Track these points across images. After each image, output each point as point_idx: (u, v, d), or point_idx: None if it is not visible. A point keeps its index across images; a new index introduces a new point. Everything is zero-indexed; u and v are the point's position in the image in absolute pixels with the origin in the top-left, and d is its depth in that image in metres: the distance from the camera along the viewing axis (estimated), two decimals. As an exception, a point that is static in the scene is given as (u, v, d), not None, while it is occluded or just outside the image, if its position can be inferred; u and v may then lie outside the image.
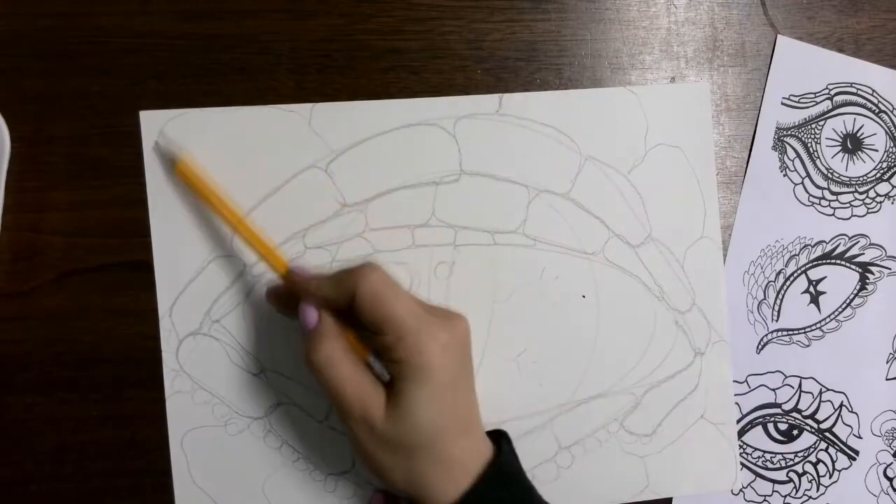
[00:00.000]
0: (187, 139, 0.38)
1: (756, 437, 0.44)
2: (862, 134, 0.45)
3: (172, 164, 0.37)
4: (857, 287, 0.45)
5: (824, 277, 0.45)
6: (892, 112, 0.45)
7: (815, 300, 0.45)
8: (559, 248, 0.41)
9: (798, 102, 0.44)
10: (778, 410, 0.44)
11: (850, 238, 0.45)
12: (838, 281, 0.45)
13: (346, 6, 0.40)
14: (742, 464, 0.44)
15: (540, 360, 0.41)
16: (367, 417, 0.32)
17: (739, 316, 0.44)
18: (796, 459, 0.44)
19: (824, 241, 0.45)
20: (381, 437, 0.32)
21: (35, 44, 0.38)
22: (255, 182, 0.39)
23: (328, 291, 0.33)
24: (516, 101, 0.41)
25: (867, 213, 0.45)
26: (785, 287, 0.44)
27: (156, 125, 0.38)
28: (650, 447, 0.42)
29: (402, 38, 0.40)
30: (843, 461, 0.45)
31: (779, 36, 0.44)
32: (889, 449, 0.45)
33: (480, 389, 0.36)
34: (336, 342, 0.33)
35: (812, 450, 0.45)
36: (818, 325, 0.45)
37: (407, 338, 0.31)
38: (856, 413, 0.45)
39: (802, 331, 0.44)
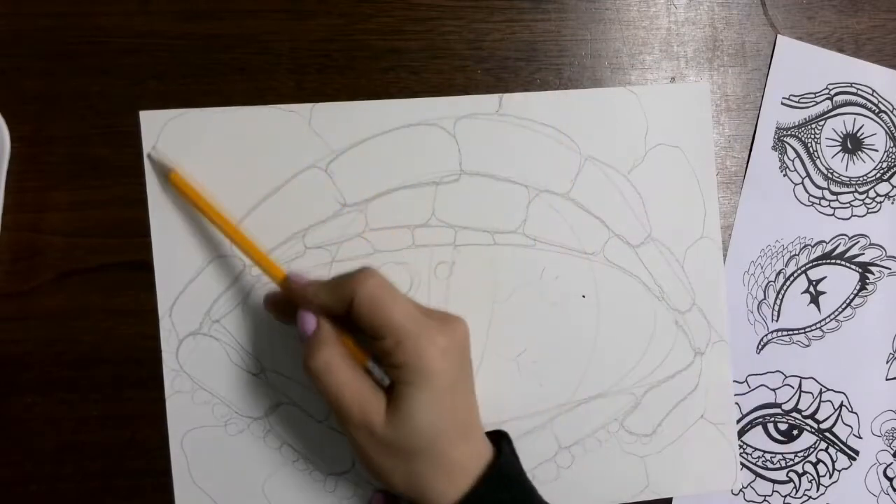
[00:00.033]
0: (187, 139, 0.38)
1: (756, 437, 0.44)
2: (862, 134, 0.45)
3: (166, 175, 0.37)
4: (857, 287, 0.45)
5: (824, 277, 0.45)
6: (892, 112, 0.45)
7: (815, 300, 0.45)
8: (559, 248, 0.41)
9: (798, 102, 0.44)
10: (778, 410, 0.44)
11: (850, 238, 0.45)
12: (838, 281, 0.45)
13: (346, 6, 0.40)
14: (742, 464, 0.44)
15: (540, 360, 0.41)
16: (366, 422, 0.32)
17: (739, 316, 0.44)
18: (796, 459, 0.44)
19: (824, 241, 0.45)
20: (382, 442, 0.32)
21: (35, 44, 0.38)
22: (255, 182, 0.39)
23: (326, 298, 0.33)
24: (516, 101, 0.41)
25: (867, 213, 0.45)
26: (785, 287, 0.44)
27: (156, 125, 0.38)
28: (650, 447, 0.42)
29: (402, 38, 0.40)
30: (843, 461, 0.45)
31: (779, 36, 0.44)
32: (889, 449, 0.45)
33: (480, 390, 0.36)
34: (334, 348, 0.33)
35: (812, 450, 0.45)
36: (818, 325, 0.45)
37: (406, 342, 0.31)
38: (856, 413, 0.45)
39: (802, 331, 0.44)
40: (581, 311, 0.41)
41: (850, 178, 0.45)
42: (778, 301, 0.44)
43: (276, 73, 0.39)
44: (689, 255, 0.42)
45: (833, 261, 0.45)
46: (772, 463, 0.44)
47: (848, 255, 0.45)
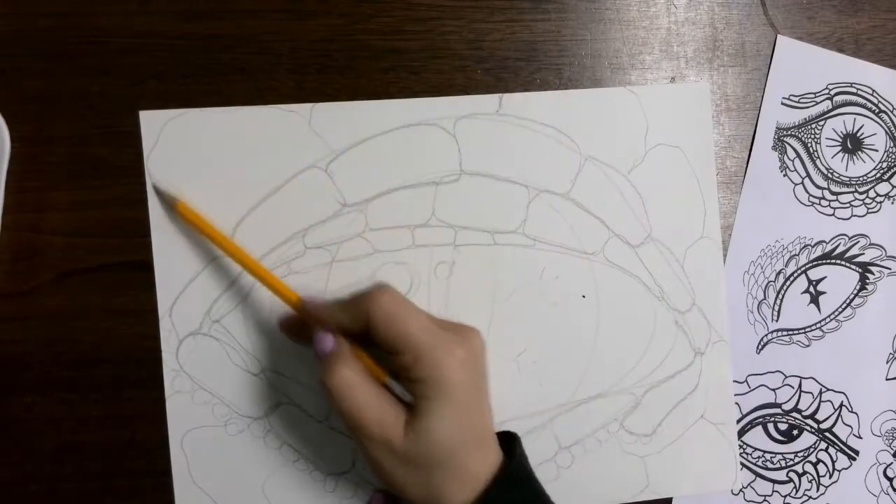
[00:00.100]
0: (187, 139, 0.38)
1: (756, 437, 0.44)
2: (862, 134, 0.45)
3: (172, 205, 0.38)
4: (857, 287, 0.45)
5: (824, 277, 0.45)
6: (892, 112, 0.45)
7: (815, 300, 0.45)
8: (559, 248, 0.41)
9: (798, 102, 0.44)
10: (778, 410, 0.44)
11: (850, 238, 0.45)
12: (838, 281, 0.45)
13: (346, 6, 0.40)
14: (742, 464, 0.44)
15: (540, 360, 0.41)
16: (386, 438, 0.32)
17: (739, 316, 0.44)
18: (796, 459, 0.44)
19: (824, 241, 0.45)
20: (401, 457, 0.32)
21: (35, 44, 0.38)
22: (255, 182, 0.39)
23: (342, 318, 0.33)
24: (516, 101, 0.41)
25: (867, 213, 0.45)
26: (785, 287, 0.44)
27: (156, 125, 0.38)
28: (650, 447, 0.42)
29: (402, 38, 0.40)
30: (843, 461, 0.45)
31: (779, 36, 0.44)
32: (889, 449, 0.45)
33: (480, 389, 0.36)
34: (353, 364, 0.33)
35: (812, 450, 0.45)
36: (818, 325, 0.45)
37: (424, 356, 0.31)
38: (856, 413, 0.45)
39: (802, 331, 0.44)
40: (581, 311, 0.41)
41: (850, 178, 0.45)
42: (778, 301, 0.44)
43: (276, 73, 0.39)
44: (689, 255, 0.42)
45: (833, 261, 0.45)
46: (772, 463, 0.44)
47: (848, 255, 0.45)
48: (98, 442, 0.39)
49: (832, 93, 0.44)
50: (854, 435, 0.45)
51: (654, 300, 0.42)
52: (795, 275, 0.44)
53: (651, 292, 0.42)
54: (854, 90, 0.44)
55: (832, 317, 0.45)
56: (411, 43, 0.40)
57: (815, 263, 0.44)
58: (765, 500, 0.44)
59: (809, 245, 0.44)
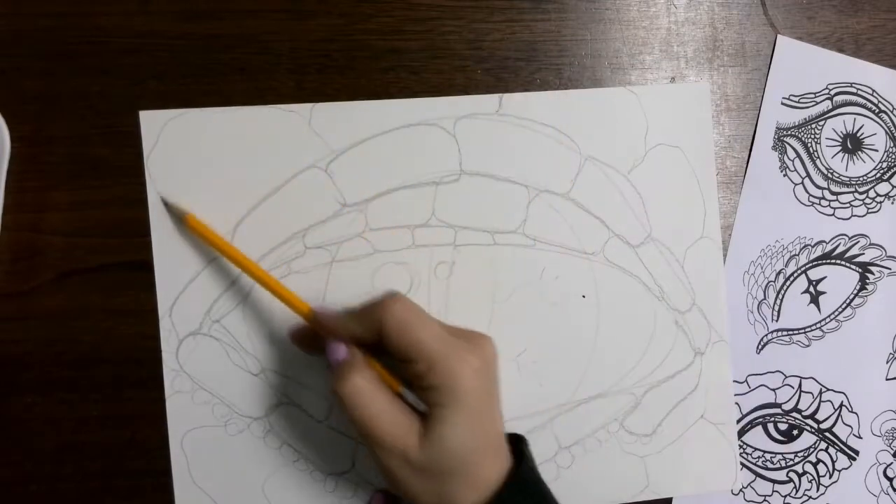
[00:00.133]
0: (187, 139, 0.38)
1: (756, 437, 0.44)
2: (862, 134, 0.45)
3: (181, 218, 0.38)
4: (857, 287, 0.45)
5: (824, 277, 0.45)
6: (892, 112, 0.45)
7: (815, 300, 0.45)
8: (559, 248, 0.41)
9: (798, 102, 0.44)
10: (778, 410, 0.44)
11: (850, 238, 0.45)
12: (838, 281, 0.45)
13: (346, 6, 0.40)
14: (742, 464, 0.44)
15: (540, 360, 0.41)
16: (401, 448, 0.32)
17: (739, 316, 0.44)
18: (796, 459, 0.44)
19: (824, 241, 0.45)
20: (415, 465, 0.32)
21: (35, 44, 0.38)
22: (255, 182, 0.39)
23: (355, 328, 0.33)
24: (516, 101, 0.41)
25: (867, 213, 0.45)
26: (785, 287, 0.44)
27: (156, 125, 0.38)
28: (650, 447, 0.42)
29: (402, 38, 0.40)
30: (843, 461, 0.45)
31: (779, 36, 0.44)
32: (889, 449, 0.45)
33: (480, 389, 0.36)
34: (366, 373, 0.33)
35: (812, 450, 0.45)
36: (818, 325, 0.45)
37: (437, 364, 0.31)
38: (856, 413, 0.45)
39: (802, 331, 0.44)
40: (581, 311, 0.41)
41: (850, 178, 0.45)
42: (778, 301, 0.44)
43: (276, 73, 0.39)
44: (689, 255, 0.42)
45: (833, 261, 0.45)
46: (772, 463, 0.44)
47: (848, 255, 0.45)
48: (98, 442, 0.39)
49: (832, 93, 0.44)
50: (854, 435, 0.45)
51: (654, 300, 0.42)
52: (795, 275, 0.44)
53: (651, 292, 0.42)
54: (854, 90, 0.44)
55: (832, 317, 0.45)
56: (411, 43, 0.40)
57: (815, 263, 0.44)
58: (765, 500, 0.44)
59: (809, 245, 0.44)
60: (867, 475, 0.45)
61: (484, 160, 0.40)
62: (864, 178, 0.45)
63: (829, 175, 0.44)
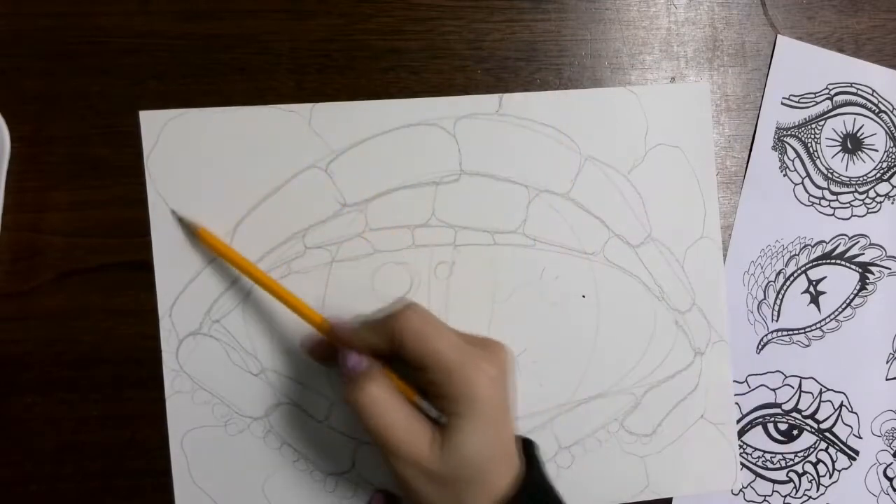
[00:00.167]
0: (187, 139, 0.38)
1: (756, 437, 0.44)
2: (862, 134, 0.45)
3: (195, 232, 0.38)
4: (857, 287, 0.45)
5: (824, 277, 0.45)
6: (892, 112, 0.45)
7: (815, 300, 0.45)
8: (559, 248, 0.41)
9: (798, 102, 0.44)
10: (778, 410, 0.44)
11: (850, 238, 0.45)
12: (838, 281, 0.45)
13: (346, 6, 0.40)
14: (742, 464, 0.44)
15: (540, 360, 0.41)
16: (417, 457, 0.31)
17: (739, 316, 0.44)
18: (796, 459, 0.44)
19: (824, 241, 0.45)
20: (431, 475, 0.31)
21: (35, 44, 0.38)
22: (255, 182, 0.39)
23: (371, 338, 0.33)
24: (516, 101, 0.41)
25: (867, 213, 0.45)
26: (785, 287, 0.44)
27: (156, 125, 0.38)
28: (650, 447, 0.42)
29: (402, 38, 0.40)
30: (843, 461, 0.45)
31: (779, 36, 0.44)
32: (889, 449, 0.45)
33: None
34: (382, 381, 0.33)
35: (812, 450, 0.45)
36: (818, 325, 0.45)
37: (454, 373, 0.31)
38: (856, 413, 0.45)
39: (802, 331, 0.44)
40: (581, 311, 0.41)
41: (850, 178, 0.45)
42: (778, 301, 0.44)
43: (276, 73, 0.39)
44: (689, 255, 0.42)
45: (833, 261, 0.45)
46: (772, 463, 0.44)
47: (848, 255, 0.45)
48: (98, 442, 0.39)
49: (832, 93, 0.44)
50: (854, 435, 0.45)
51: (654, 300, 0.42)
52: (795, 275, 0.44)
53: (651, 292, 0.42)
54: (854, 90, 0.44)
55: (832, 317, 0.45)
56: (411, 43, 0.40)
57: (815, 263, 0.44)
58: (765, 500, 0.44)
59: (809, 245, 0.44)
60: (867, 475, 0.45)
61: (484, 160, 0.40)
62: (864, 178, 0.45)
63: (829, 175, 0.44)
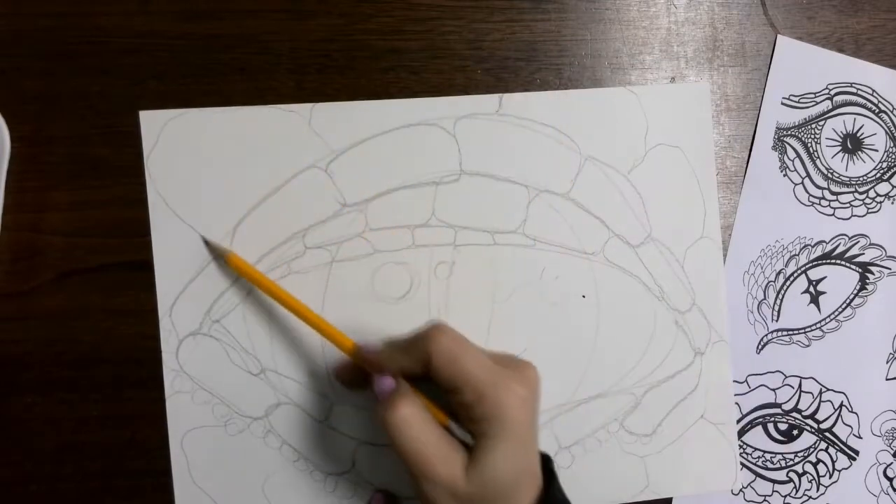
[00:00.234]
0: (187, 139, 0.38)
1: (756, 437, 0.44)
2: (862, 134, 0.45)
3: (224, 257, 0.38)
4: (857, 287, 0.45)
5: (824, 277, 0.45)
6: (892, 112, 0.45)
7: (815, 300, 0.45)
8: (559, 248, 0.41)
9: (798, 102, 0.44)
10: (778, 410, 0.44)
11: (850, 238, 0.45)
12: (838, 281, 0.45)
13: (346, 6, 0.40)
14: (742, 464, 0.44)
15: (540, 360, 0.41)
16: (448, 479, 0.31)
17: (739, 316, 0.44)
18: (796, 459, 0.44)
19: (824, 241, 0.45)
20: (460, 496, 0.31)
21: (35, 44, 0.38)
22: (255, 182, 0.39)
23: (401, 360, 0.33)
24: (516, 101, 0.41)
25: (867, 213, 0.45)
26: (785, 287, 0.44)
27: (156, 125, 0.38)
28: (650, 447, 0.42)
29: (402, 38, 0.40)
30: (843, 461, 0.45)
31: (779, 36, 0.44)
32: (889, 449, 0.45)
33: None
34: (415, 402, 0.33)
35: (812, 450, 0.45)
36: (818, 325, 0.45)
37: (486, 394, 0.31)
38: (856, 413, 0.45)
39: (802, 331, 0.44)
40: (581, 311, 0.41)
41: (850, 178, 0.45)
42: (778, 301, 0.44)
43: (276, 73, 0.39)
44: (689, 255, 0.42)
45: (833, 261, 0.45)
46: (772, 463, 0.44)
47: (848, 255, 0.45)
48: (98, 442, 0.39)
49: (832, 93, 0.44)
50: (854, 435, 0.45)
51: (654, 300, 0.42)
52: (795, 275, 0.44)
53: (651, 292, 0.42)
54: (854, 90, 0.44)
55: (832, 317, 0.45)
56: (411, 43, 0.40)
57: (815, 263, 0.44)
58: (765, 500, 0.44)
59: (809, 245, 0.44)
60: (867, 475, 0.45)
61: (484, 160, 0.40)
62: (864, 178, 0.45)
63: (829, 175, 0.44)
